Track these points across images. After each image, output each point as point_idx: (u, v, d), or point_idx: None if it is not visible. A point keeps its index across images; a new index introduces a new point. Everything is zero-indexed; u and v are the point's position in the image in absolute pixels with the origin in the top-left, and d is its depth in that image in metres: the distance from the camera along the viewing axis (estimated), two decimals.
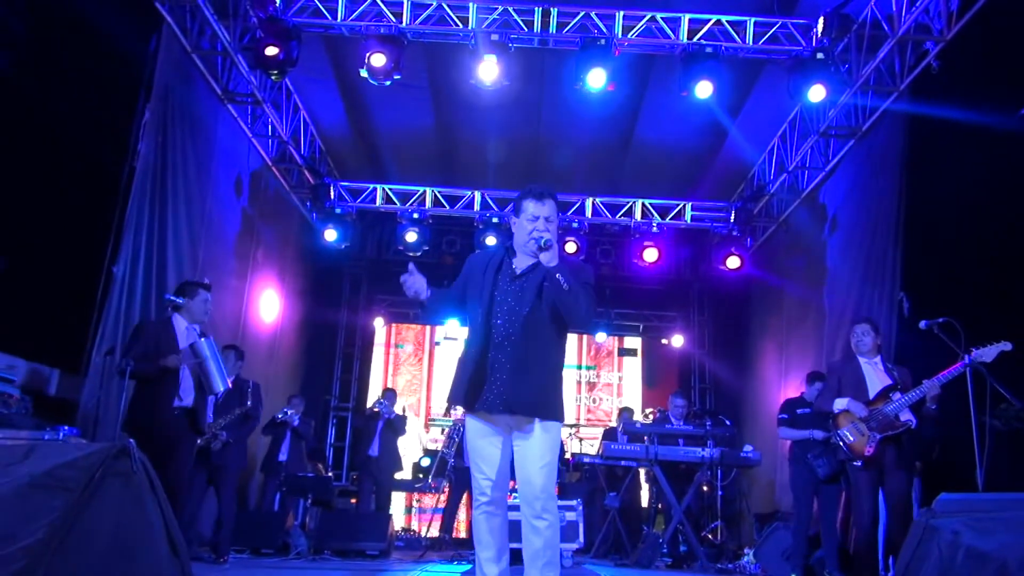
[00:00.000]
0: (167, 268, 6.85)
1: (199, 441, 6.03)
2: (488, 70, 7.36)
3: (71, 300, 6.32)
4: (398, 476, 9.56)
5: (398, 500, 10.86)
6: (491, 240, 10.22)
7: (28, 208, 6.03)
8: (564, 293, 3.21)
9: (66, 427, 5.33)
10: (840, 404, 5.09)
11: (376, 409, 9.12)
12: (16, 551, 2.53)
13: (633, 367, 12.82)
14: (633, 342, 12.93)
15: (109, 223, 6.25)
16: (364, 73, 7.32)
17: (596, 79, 7.22)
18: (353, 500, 9.62)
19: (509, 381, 3.23)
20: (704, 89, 7.24)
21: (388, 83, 7.37)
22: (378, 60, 7.22)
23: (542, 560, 3.17)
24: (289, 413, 8.42)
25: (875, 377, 5.14)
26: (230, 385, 5.32)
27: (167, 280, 6.71)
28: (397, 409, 9.45)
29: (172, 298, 5.14)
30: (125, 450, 2.80)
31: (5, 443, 3.20)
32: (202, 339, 5.07)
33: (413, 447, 11.38)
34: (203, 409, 5.14)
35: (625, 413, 9.86)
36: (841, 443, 5.03)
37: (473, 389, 3.28)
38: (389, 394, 9.50)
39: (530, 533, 3.20)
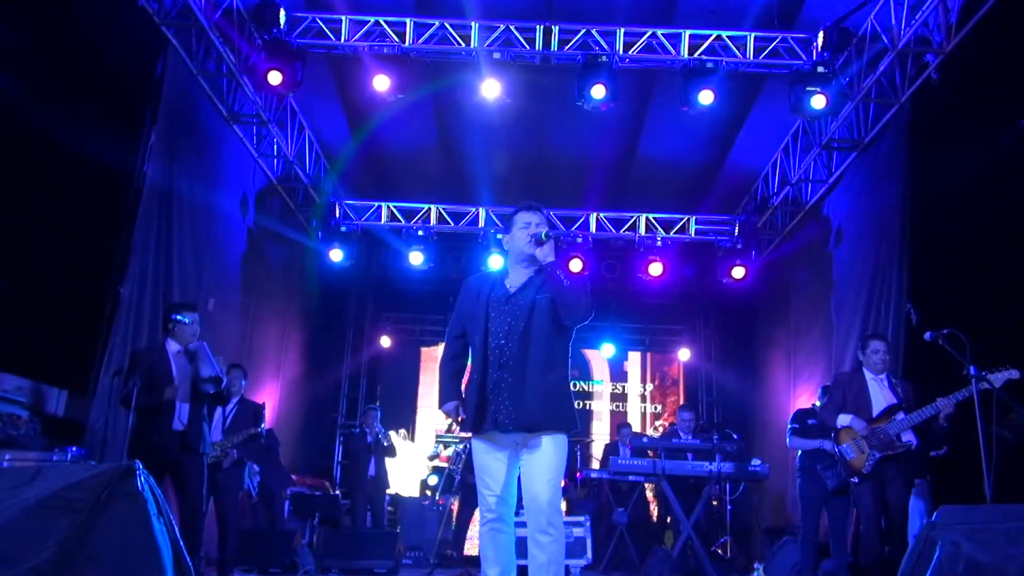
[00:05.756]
0: (172, 288, 6.89)
1: (210, 458, 6.06)
2: (491, 88, 7.43)
3: (79, 321, 6.37)
4: (389, 492, 9.46)
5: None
6: (496, 257, 10.21)
7: (36, 230, 6.09)
8: (563, 287, 3.25)
9: (74, 448, 5.38)
10: (843, 420, 5.05)
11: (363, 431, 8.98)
12: (24, 571, 2.55)
13: None
14: None
15: (116, 244, 6.31)
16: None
17: (598, 96, 7.26)
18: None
19: (517, 399, 3.26)
20: (707, 96, 7.26)
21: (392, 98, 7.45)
22: (382, 79, 7.30)
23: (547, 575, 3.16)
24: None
25: (880, 394, 5.07)
26: (220, 372, 5.24)
27: (173, 300, 6.74)
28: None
29: (175, 317, 5.18)
30: (131, 471, 2.81)
31: (14, 465, 3.24)
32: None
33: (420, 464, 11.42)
34: (197, 430, 5.12)
35: (625, 428, 9.77)
36: (842, 458, 5.01)
37: (482, 412, 3.31)
38: (372, 413, 9.15)
39: (535, 548, 3.20)
